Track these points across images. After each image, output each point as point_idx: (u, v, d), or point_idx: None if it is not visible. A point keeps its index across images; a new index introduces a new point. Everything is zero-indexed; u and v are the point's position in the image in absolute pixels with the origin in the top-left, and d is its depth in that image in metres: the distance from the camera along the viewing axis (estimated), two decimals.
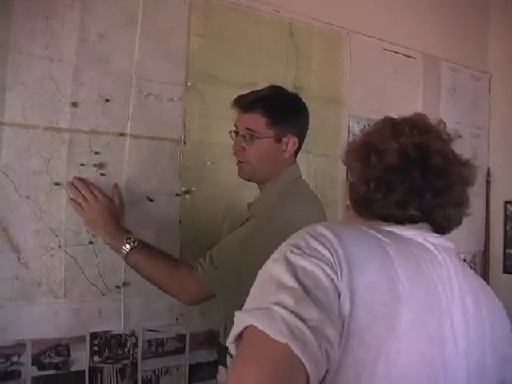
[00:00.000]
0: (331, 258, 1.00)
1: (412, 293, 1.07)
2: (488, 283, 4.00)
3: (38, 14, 1.97)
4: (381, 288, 1.04)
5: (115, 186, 2.11)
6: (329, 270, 0.99)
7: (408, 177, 1.19)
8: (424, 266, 1.13)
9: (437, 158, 1.21)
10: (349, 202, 1.31)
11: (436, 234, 1.22)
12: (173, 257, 2.00)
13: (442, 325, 1.11)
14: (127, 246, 1.90)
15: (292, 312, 0.91)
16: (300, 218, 1.82)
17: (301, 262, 0.99)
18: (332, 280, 0.98)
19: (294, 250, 1.02)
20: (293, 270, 0.98)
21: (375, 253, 1.08)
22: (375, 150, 1.23)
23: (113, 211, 2.01)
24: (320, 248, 1.02)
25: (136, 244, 1.91)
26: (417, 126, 1.25)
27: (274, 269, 1.01)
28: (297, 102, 2.06)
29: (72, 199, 2.01)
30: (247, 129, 1.97)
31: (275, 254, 1.04)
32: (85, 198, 1.99)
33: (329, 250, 1.02)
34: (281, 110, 1.98)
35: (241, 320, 0.95)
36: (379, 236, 1.12)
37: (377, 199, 1.21)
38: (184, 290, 1.91)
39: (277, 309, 0.92)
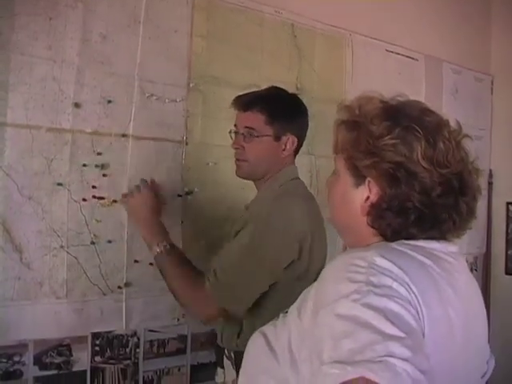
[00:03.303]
0: (409, 297, 0.98)
1: (458, 314, 1.08)
2: (490, 285, 3.97)
3: (41, 14, 1.97)
4: (442, 319, 1.04)
5: (153, 182, 2.14)
6: (413, 311, 0.96)
7: (448, 208, 1.14)
8: (457, 281, 1.14)
9: (469, 181, 1.17)
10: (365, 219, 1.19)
11: (452, 243, 1.20)
12: (195, 269, 1.94)
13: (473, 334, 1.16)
14: (157, 248, 1.92)
15: (414, 365, 0.85)
16: (297, 219, 1.84)
17: (386, 303, 0.94)
18: (416, 320, 0.96)
19: (373, 289, 0.96)
20: (383, 314, 0.92)
21: (429, 281, 1.06)
22: (406, 170, 1.12)
23: (154, 204, 2.04)
24: (395, 285, 0.98)
25: (166, 248, 1.92)
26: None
27: (359, 312, 0.93)
28: (296, 102, 2.06)
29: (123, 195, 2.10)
30: (246, 127, 1.97)
31: (353, 294, 0.96)
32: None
33: (403, 286, 0.98)
34: (280, 107, 1.98)
35: (346, 371, 0.86)
36: (421, 259, 1.09)
37: (411, 232, 1.15)
38: (197, 306, 1.90)
39: (394, 361, 0.85)
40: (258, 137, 1.95)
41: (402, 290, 0.98)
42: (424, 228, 1.14)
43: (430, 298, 1.02)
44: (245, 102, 1.99)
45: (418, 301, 0.98)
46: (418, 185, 1.11)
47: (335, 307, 0.97)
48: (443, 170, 1.12)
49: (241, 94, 2.04)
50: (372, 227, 1.18)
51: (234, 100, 2.02)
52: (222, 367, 1.97)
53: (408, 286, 0.99)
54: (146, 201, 2.02)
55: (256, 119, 1.96)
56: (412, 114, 1.17)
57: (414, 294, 0.99)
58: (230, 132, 2.05)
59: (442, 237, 1.17)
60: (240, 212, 2.09)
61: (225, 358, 1.95)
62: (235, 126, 2.03)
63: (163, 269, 1.92)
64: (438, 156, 1.12)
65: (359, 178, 1.18)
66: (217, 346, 2.04)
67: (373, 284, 0.97)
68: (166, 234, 1.99)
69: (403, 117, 1.16)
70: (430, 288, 1.04)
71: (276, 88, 2.06)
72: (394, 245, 1.12)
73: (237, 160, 2.02)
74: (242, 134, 1.98)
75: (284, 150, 1.99)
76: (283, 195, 1.93)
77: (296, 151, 2.05)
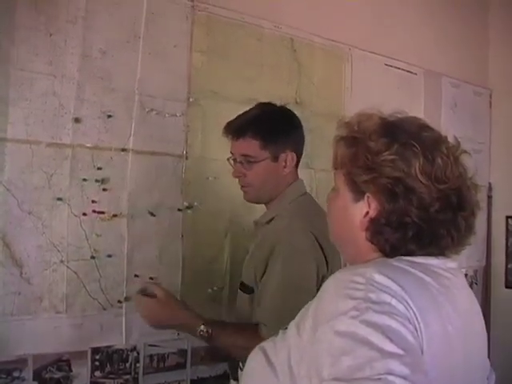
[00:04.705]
0: (407, 314, 0.97)
1: (457, 331, 1.08)
2: (490, 298, 3.95)
3: (41, 29, 1.98)
4: (441, 336, 1.04)
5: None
6: (411, 328, 0.96)
7: (446, 224, 1.14)
8: (456, 297, 1.14)
9: (467, 196, 1.17)
10: (364, 235, 1.19)
11: (450, 259, 1.20)
12: (241, 326, 1.90)
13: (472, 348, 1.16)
14: (201, 334, 1.77)
15: (412, 383, 0.85)
16: (318, 236, 1.84)
17: (384, 320, 0.94)
18: (415, 337, 0.96)
19: (372, 306, 0.96)
20: (382, 331, 0.92)
21: (428, 298, 1.06)
22: (405, 186, 1.12)
23: (170, 301, 1.81)
24: (394, 302, 0.98)
25: (208, 332, 1.77)
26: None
27: (358, 329, 0.93)
28: (287, 117, 2.04)
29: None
30: (243, 155, 1.96)
31: (352, 311, 0.96)
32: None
33: (402, 303, 0.98)
34: (271, 129, 1.96)
35: None
36: (421, 275, 1.09)
37: (410, 248, 1.14)
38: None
39: (394, 379, 0.85)
40: (256, 162, 1.95)
41: (400, 306, 0.97)
42: (422, 244, 1.14)
43: (429, 315, 1.02)
44: (236, 130, 1.97)
45: (417, 318, 0.98)
46: (416, 200, 1.10)
47: (334, 324, 0.97)
48: (441, 186, 1.12)
49: (230, 120, 2.00)
50: (371, 243, 1.18)
51: (225, 128, 1.99)
52: (236, 379, 1.97)
53: (407, 302, 0.99)
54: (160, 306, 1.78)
55: (250, 146, 1.94)
56: (410, 130, 1.18)
57: (412, 310, 0.98)
58: (229, 159, 2.03)
59: (440, 253, 1.17)
60: (241, 225, 2.09)
61: (239, 371, 1.94)
62: (232, 153, 2.01)
63: (219, 346, 1.85)
64: (436, 171, 1.12)
65: (358, 193, 1.18)
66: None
67: (371, 301, 0.96)
68: (196, 318, 1.80)
69: (401, 133, 1.16)
70: (428, 305, 1.04)
71: (265, 105, 2.03)
72: (392, 261, 1.12)
73: (242, 187, 2.02)
74: (240, 161, 1.98)
75: (285, 167, 1.98)
76: (294, 217, 1.91)
77: (297, 165, 2.05)
